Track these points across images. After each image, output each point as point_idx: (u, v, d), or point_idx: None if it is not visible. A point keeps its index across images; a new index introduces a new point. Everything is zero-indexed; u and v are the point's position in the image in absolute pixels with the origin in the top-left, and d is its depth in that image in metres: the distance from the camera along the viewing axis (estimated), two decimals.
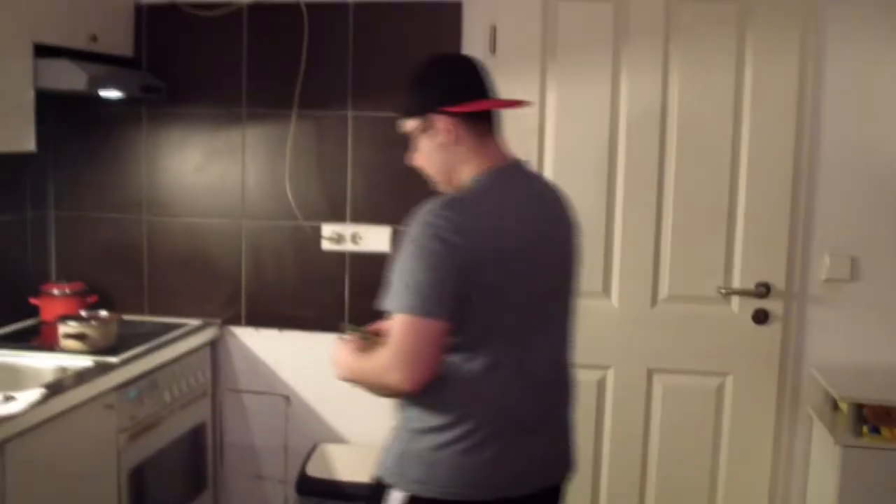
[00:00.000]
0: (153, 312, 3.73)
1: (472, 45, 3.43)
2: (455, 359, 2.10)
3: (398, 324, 2.05)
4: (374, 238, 3.55)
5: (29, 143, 3.06)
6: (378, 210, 3.56)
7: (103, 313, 3.33)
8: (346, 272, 3.59)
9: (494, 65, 3.41)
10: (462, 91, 2.20)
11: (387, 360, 2.07)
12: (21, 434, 2.56)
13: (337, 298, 3.59)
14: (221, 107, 3.61)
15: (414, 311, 2.03)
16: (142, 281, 3.75)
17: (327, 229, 3.58)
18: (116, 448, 3.02)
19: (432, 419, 2.13)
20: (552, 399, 2.27)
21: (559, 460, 2.30)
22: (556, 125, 3.41)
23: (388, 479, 2.19)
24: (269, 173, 3.61)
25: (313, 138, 3.57)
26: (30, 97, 3.04)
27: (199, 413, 3.55)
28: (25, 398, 2.61)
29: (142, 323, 3.63)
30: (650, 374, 3.44)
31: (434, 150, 2.22)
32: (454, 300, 2.05)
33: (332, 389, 3.46)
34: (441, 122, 2.18)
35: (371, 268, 3.54)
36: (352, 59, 3.52)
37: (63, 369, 3.03)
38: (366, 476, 3.38)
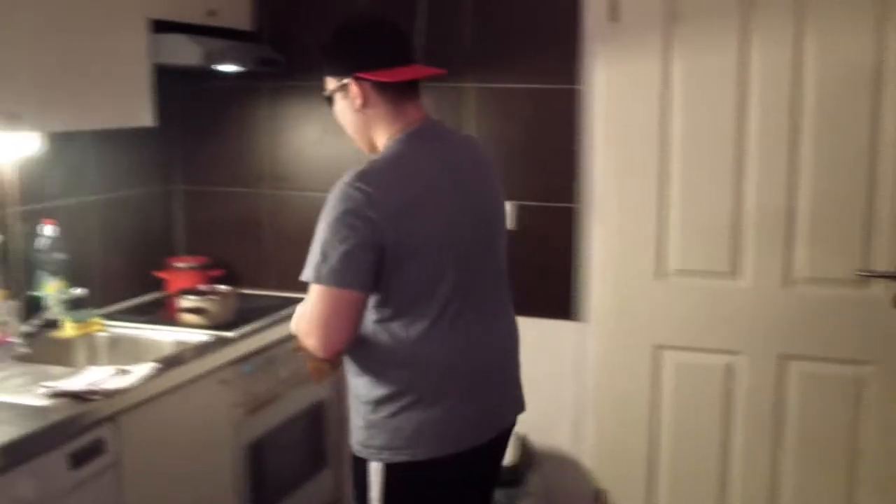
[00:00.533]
0: (276, 287, 3.74)
1: (592, 11, 3.29)
2: (392, 327, 2.19)
3: (313, 293, 2.15)
4: None
5: (146, 118, 3.09)
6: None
7: (223, 288, 3.35)
8: None
9: (614, 33, 3.27)
10: (377, 58, 2.23)
11: (304, 326, 2.19)
12: (134, 407, 2.59)
13: None
14: None
15: (328, 281, 2.11)
16: (264, 255, 3.77)
17: None
18: (232, 423, 3.05)
19: (383, 388, 2.22)
20: (496, 347, 2.36)
21: (511, 404, 2.43)
22: (681, 96, 3.23)
23: (361, 454, 2.28)
24: None
25: (432, 110, 3.47)
26: (146, 73, 3.07)
27: (319, 390, 3.54)
28: (138, 372, 2.64)
29: (262, 297, 3.64)
30: (782, 360, 3.25)
31: (348, 112, 2.28)
32: (372, 272, 2.12)
33: None
34: (354, 85, 2.23)
35: None
36: (471, 28, 3.42)
37: (180, 343, 3.07)
38: None
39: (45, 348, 2.97)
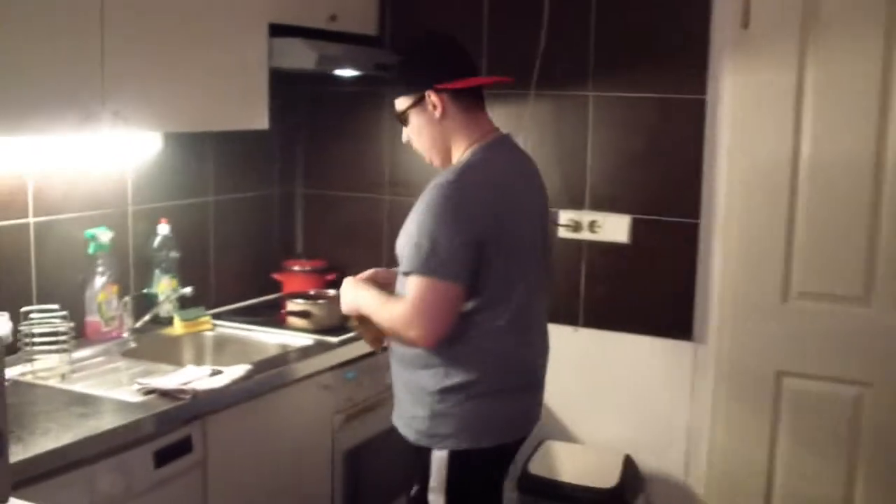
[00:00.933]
0: None
1: (722, 18, 3.13)
2: (477, 319, 2.30)
3: (418, 284, 2.24)
4: (613, 227, 3.33)
5: (262, 122, 3.11)
6: (617, 198, 3.33)
7: (331, 292, 3.34)
8: (582, 262, 3.39)
9: (745, 40, 3.09)
10: (450, 69, 2.37)
11: (407, 315, 2.26)
12: (225, 408, 2.59)
13: (572, 289, 3.41)
14: None
15: (433, 273, 2.22)
16: (381, 260, 3.74)
17: (564, 216, 3.39)
18: (331, 428, 3.02)
19: (455, 378, 2.31)
20: (542, 356, 2.52)
21: (537, 413, 2.52)
22: (815, 106, 3.03)
23: (422, 443, 2.37)
24: None
25: (551, 119, 3.40)
26: (263, 76, 3.08)
27: None
28: (230, 374, 2.65)
29: None
30: None
31: (425, 126, 2.40)
32: (471, 266, 2.24)
33: (565, 384, 3.33)
34: (433, 96, 2.35)
35: (608, 258, 3.34)
36: (594, 36, 3.30)
37: (284, 346, 3.07)
38: (591, 480, 3.22)
39: (152, 345, 3.03)
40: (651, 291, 3.30)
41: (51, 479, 2.11)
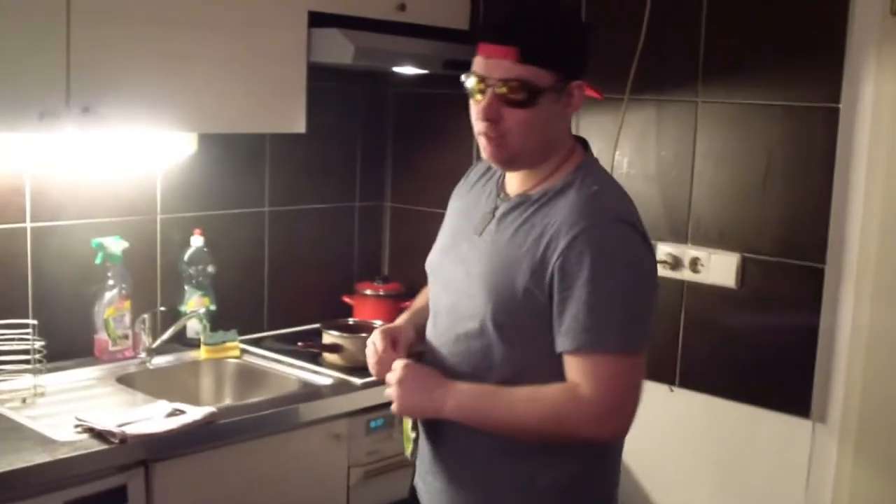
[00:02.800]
0: None
1: (864, 3, 2.39)
2: None
3: (616, 364, 1.71)
4: (718, 266, 2.66)
5: (298, 124, 2.71)
6: (726, 231, 2.66)
7: (377, 323, 2.90)
8: (682, 307, 2.75)
9: (892, 28, 2.35)
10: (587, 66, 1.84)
11: (602, 408, 1.70)
12: (181, 456, 2.22)
13: (669, 338, 2.75)
14: None
15: (636, 345, 1.73)
16: None
17: (662, 250, 2.75)
18: (343, 486, 2.57)
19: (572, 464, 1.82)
20: None
21: None
22: None
23: None
24: None
25: (650, 129, 2.77)
26: (300, 72, 2.68)
27: None
28: (190, 416, 2.26)
29: None
30: None
31: (553, 118, 1.79)
32: None
33: (654, 451, 2.75)
34: (578, 90, 1.80)
35: (712, 304, 2.68)
36: (704, 30, 2.65)
37: (305, 383, 2.66)
38: None
39: (160, 370, 2.72)
40: (762, 352, 2.60)
41: None
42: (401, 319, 2.08)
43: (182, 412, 2.28)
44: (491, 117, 1.75)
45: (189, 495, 2.25)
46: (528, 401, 1.74)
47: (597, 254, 1.68)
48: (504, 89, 1.73)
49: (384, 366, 1.90)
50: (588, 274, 1.68)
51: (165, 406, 2.30)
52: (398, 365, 1.85)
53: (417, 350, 1.98)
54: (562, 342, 1.72)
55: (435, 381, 1.82)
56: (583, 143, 1.92)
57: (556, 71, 1.75)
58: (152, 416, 2.24)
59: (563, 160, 1.85)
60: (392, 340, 1.95)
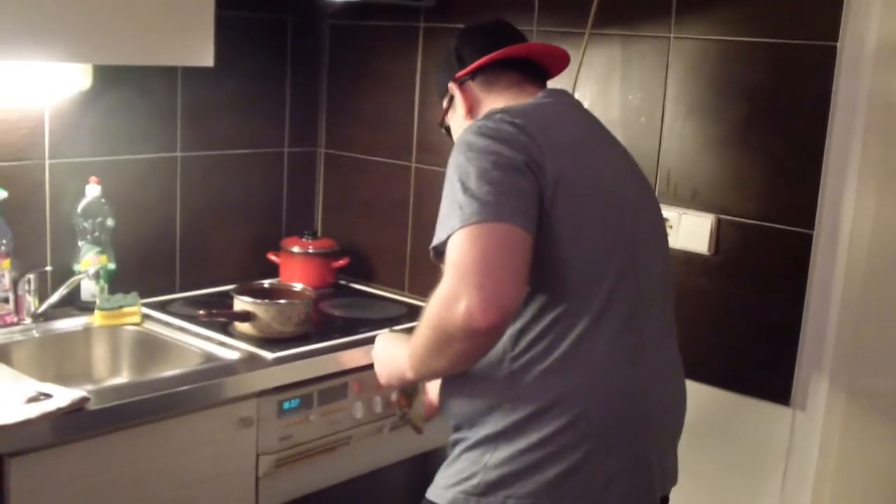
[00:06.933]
0: (413, 290, 2.86)
1: None
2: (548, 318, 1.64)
3: (459, 238, 1.56)
4: (690, 229, 2.31)
5: (205, 57, 2.30)
6: (699, 188, 2.31)
7: (297, 287, 2.54)
8: None
9: None
10: (472, 54, 1.89)
11: (450, 286, 1.54)
12: (48, 447, 1.86)
13: None
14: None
15: (479, 217, 1.56)
16: (404, 248, 2.89)
17: None
18: (251, 476, 2.23)
19: (526, 407, 1.65)
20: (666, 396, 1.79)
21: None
22: None
23: None
24: None
25: (615, 69, 2.40)
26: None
27: (420, 440, 2.57)
28: (55, 402, 1.90)
29: (384, 302, 2.80)
30: None
31: (462, 123, 1.86)
32: (532, 209, 1.60)
33: None
34: (454, 93, 1.92)
35: (681, 272, 2.32)
36: None
37: (209, 357, 2.30)
38: None
39: (43, 340, 2.35)
40: (738, 329, 2.27)
41: None
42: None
43: (48, 396, 1.91)
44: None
45: (55, 495, 1.89)
46: (418, 326, 1.66)
47: (452, 155, 1.67)
48: None
49: None
50: (447, 177, 1.66)
51: (28, 389, 1.93)
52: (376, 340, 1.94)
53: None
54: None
55: (398, 344, 1.82)
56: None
57: (441, 98, 1.97)
58: (8, 402, 1.87)
59: None
60: None
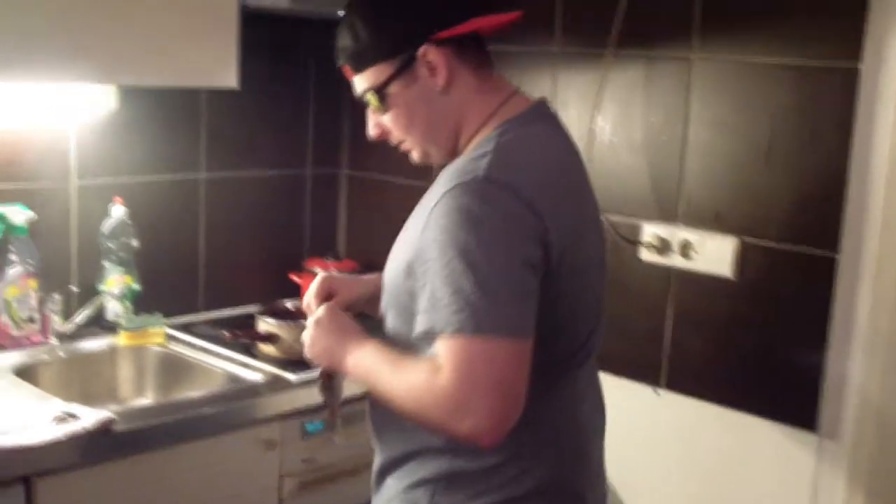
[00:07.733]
0: None
1: None
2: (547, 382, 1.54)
3: (468, 348, 1.39)
4: (713, 252, 2.30)
5: (229, 78, 2.33)
6: (722, 211, 2.29)
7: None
8: (668, 297, 2.39)
9: None
10: (446, 11, 1.55)
11: (454, 392, 1.39)
12: (76, 469, 1.88)
13: (653, 333, 2.40)
14: (529, 43, 2.58)
15: (498, 332, 1.40)
16: None
17: (648, 231, 2.40)
18: (278, 499, 2.23)
19: (532, 479, 1.56)
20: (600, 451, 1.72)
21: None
22: None
23: None
24: (574, 135, 2.50)
25: (637, 91, 2.40)
26: (232, 20, 2.31)
27: None
28: (81, 423, 1.91)
29: None
30: None
31: (420, 101, 1.58)
32: (535, 303, 1.45)
33: (637, 461, 2.42)
34: (430, 56, 1.55)
35: (704, 297, 2.31)
36: None
37: (234, 379, 2.31)
38: None
39: (69, 360, 2.37)
40: (763, 353, 2.25)
41: None
42: (366, 277, 1.83)
43: (74, 416, 1.93)
44: (374, 134, 1.68)
45: None
46: (397, 372, 1.49)
47: (433, 221, 1.45)
48: (369, 104, 1.62)
49: (308, 310, 1.72)
50: (418, 239, 1.48)
51: (54, 409, 1.95)
52: (322, 307, 1.67)
53: None
54: (419, 321, 1.47)
55: (352, 332, 1.62)
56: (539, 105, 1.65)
57: (386, 58, 1.56)
58: (34, 422, 1.89)
59: (474, 132, 1.61)
60: (328, 292, 1.74)
